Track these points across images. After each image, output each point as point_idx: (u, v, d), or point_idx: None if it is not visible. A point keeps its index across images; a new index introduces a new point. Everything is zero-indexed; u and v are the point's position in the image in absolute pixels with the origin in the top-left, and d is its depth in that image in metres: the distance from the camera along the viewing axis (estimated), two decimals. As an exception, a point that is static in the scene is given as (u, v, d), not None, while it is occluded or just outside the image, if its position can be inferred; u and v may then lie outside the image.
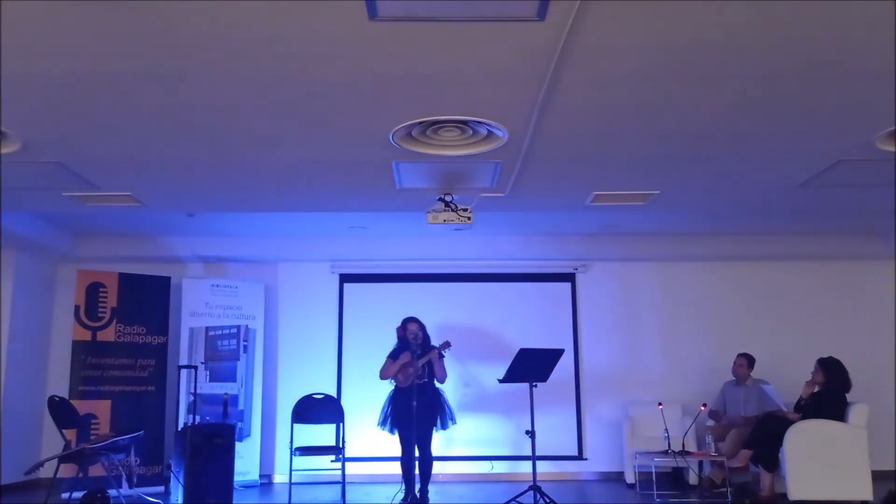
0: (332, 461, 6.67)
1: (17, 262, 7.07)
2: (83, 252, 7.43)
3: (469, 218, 5.38)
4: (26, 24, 2.88)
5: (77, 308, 6.88)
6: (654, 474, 6.25)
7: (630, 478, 6.87)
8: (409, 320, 5.96)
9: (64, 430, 5.87)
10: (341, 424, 6.66)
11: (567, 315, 7.87)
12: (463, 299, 7.82)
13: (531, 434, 5.62)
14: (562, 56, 3.19)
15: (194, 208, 6.16)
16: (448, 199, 5.43)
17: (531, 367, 5.72)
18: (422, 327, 5.91)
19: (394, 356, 5.90)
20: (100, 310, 6.95)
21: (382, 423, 5.87)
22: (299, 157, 4.66)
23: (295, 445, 6.16)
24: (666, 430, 6.37)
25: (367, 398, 6.99)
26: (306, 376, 7.51)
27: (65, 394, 6.52)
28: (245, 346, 7.33)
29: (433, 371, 5.83)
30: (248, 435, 7.18)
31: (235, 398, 7.13)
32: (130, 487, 6.42)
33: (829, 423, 5.81)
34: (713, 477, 6.42)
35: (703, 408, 6.66)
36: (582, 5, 2.75)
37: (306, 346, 7.74)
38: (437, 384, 5.91)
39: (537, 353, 5.80)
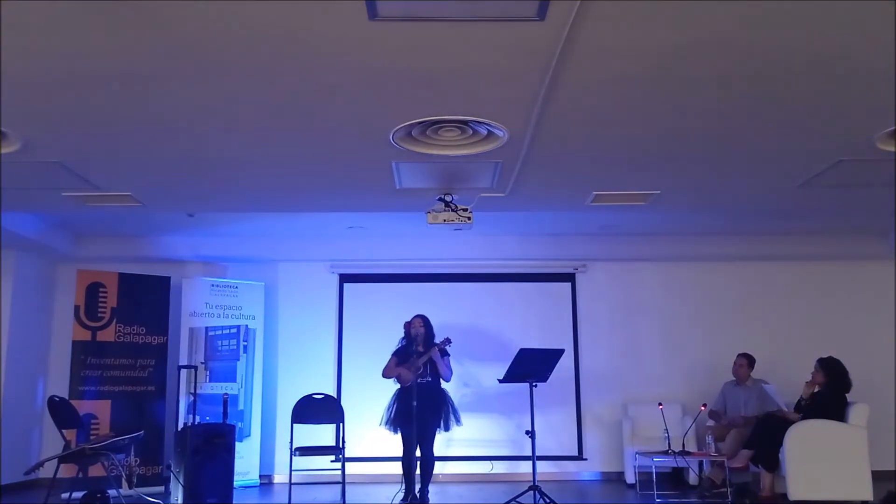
0: (331, 461, 6.65)
1: (17, 262, 7.07)
2: (83, 252, 7.43)
3: (469, 218, 5.38)
4: (26, 24, 2.88)
5: (77, 308, 6.88)
6: (654, 474, 6.25)
7: (630, 478, 6.87)
8: (416, 317, 5.96)
9: (64, 430, 5.87)
10: (341, 424, 6.65)
11: (567, 315, 7.87)
12: (463, 299, 7.82)
13: (531, 434, 5.62)
14: (562, 56, 3.19)
15: (194, 208, 6.16)
16: (448, 199, 5.43)
17: (531, 367, 5.72)
18: (426, 324, 5.90)
19: (398, 354, 5.90)
20: (100, 310, 6.95)
21: (386, 423, 5.86)
22: (299, 156, 4.67)
23: (295, 445, 6.15)
24: (666, 430, 6.36)
25: (367, 398, 6.99)
26: (306, 376, 7.51)
27: (65, 394, 6.51)
28: (245, 346, 7.34)
29: (437, 370, 5.82)
30: (248, 435, 7.18)
31: (235, 398, 7.13)
32: (130, 487, 6.41)
33: (829, 423, 5.81)
34: (713, 477, 6.42)
35: (703, 408, 6.65)
36: (582, 5, 2.75)
37: (306, 346, 7.74)
38: (442, 384, 5.90)
39: (537, 353, 5.80)
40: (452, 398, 6.01)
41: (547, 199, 5.86)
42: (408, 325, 5.98)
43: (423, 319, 5.92)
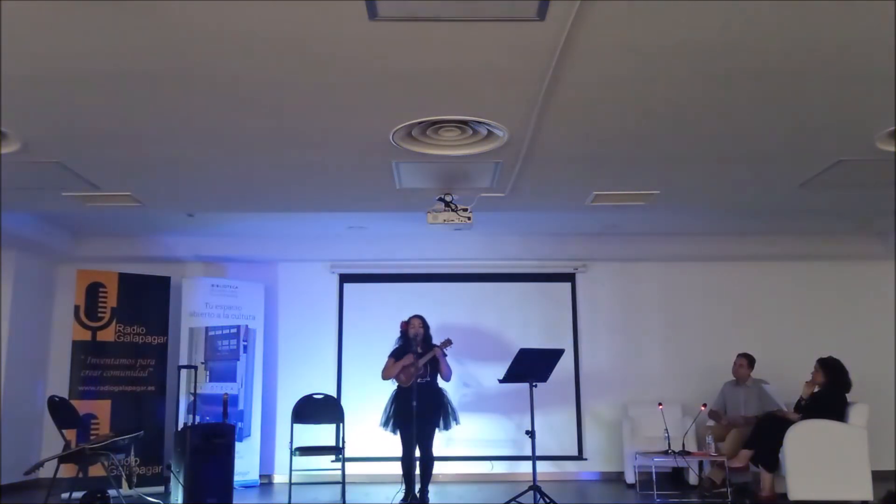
0: (332, 461, 6.66)
1: (17, 262, 7.07)
2: (83, 252, 7.43)
3: (469, 218, 5.38)
4: (26, 24, 2.88)
5: (77, 308, 6.88)
6: (654, 474, 6.25)
7: (630, 478, 6.87)
8: (413, 317, 5.94)
9: (64, 430, 5.87)
10: (341, 424, 6.65)
11: (567, 315, 7.87)
12: (463, 299, 7.82)
13: (531, 434, 5.62)
14: (562, 56, 3.19)
15: (194, 208, 6.16)
16: (448, 199, 5.43)
17: (531, 367, 5.72)
18: (425, 325, 5.89)
19: (395, 355, 5.89)
20: (100, 310, 6.94)
21: (385, 424, 5.85)
22: (299, 157, 4.67)
23: (295, 445, 6.15)
24: (666, 430, 6.37)
25: (367, 398, 6.98)
26: (306, 376, 7.51)
27: (65, 394, 6.51)
28: (245, 346, 7.33)
29: (436, 370, 5.82)
30: (248, 435, 7.18)
31: (235, 398, 7.13)
32: (130, 487, 6.41)
33: (829, 423, 5.81)
34: (713, 477, 6.42)
35: (703, 408, 6.65)
36: (582, 5, 2.75)
37: (306, 346, 7.74)
38: (440, 384, 5.90)
39: (537, 353, 5.80)
40: (452, 398, 6.01)
41: (547, 199, 5.86)
42: (405, 325, 5.97)
43: (422, 320, 5.91)
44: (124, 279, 7.09)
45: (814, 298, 7.82)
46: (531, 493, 5.51)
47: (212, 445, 5.66)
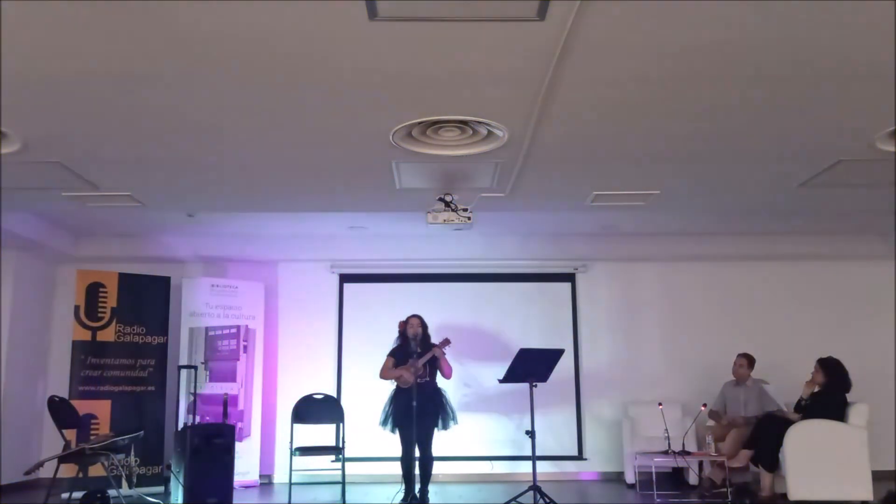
0: (332, 461, 6.66)
1: (17, 262, 7.07)
2: (83, 252, 7.44)
3: (469, 218, 5.38)
4: (26, 24, 2.88)
5: (77, 308, 6.88)
6: (654, 474, 6.25)
7: (630, 478, 6.87)
8: (411, 316, 5.93)
9: (64, 430, 5.87)
10: (341, 424, 6.66)
11: (567, 315, 7.87)
12: (463, 299, 7.82)
13: (531, 434, 5.62)
14: (562, 56, 3.19)
15: (194, 208, 6.16)
16: (448, 199, 5.43)
17: (531, 367, 5.72)
18: (423, 325, 5.88)
19: (394, 354, 5.89)
20: (100, 310, 6.94)
21: (384, 423, 5.85)
22: (299, 157, 4.67)
23: (295, 445, 6.15)
24: (666, 430, 6.37)
25: (367, 398, 6.97)
26: (306, 376, 7.51)
27: (65, 394, 6.51)
28: (245, 346, 7.34)
29: (435, 369, 5.82)
30: (248, 435, 7.18)
31: (235, 398, 7.13)
32: (130, 487, 6.41)
33: (829, 423, 5.81)
34: (713, 477, 6.42)
35: (703, 408, 6.65)
36: (582, 5, 2.75)
37: (306, 346, 7.74)
38: (439, 384, 5.90)
39: (537, 354, 5.80)
40: (452, 398, 6.01)
41: (547, 199, 5.86)
42: (403, 325, 5.96)
43: (420, 319, 5.90)
44: (124, 279, 7.09)
45: (814, 298, 7.81)
46: (531, 493, 5.51)
47: (212, 445, 5.66)
